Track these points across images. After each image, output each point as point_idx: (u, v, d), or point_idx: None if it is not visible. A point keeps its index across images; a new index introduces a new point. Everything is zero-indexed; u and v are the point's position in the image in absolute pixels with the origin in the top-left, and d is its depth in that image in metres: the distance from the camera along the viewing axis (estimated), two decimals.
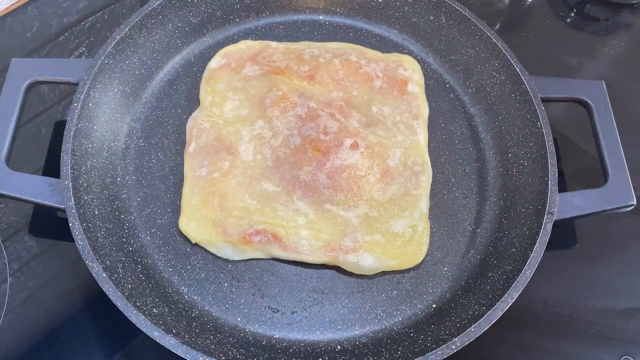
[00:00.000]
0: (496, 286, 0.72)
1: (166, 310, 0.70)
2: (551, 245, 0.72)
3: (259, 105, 0.83)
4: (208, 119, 0.82)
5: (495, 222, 0.80)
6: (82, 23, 1.00)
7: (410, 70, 0.88)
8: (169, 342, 0.63)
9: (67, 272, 0.78)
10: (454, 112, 0.90)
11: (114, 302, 0.65)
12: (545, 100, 0.82)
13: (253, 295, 0.75)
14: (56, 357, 0.73)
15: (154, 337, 0.64)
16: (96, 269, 0.66)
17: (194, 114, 0.83)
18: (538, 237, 0.72)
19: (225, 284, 0.75)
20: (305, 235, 0.74)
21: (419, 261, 0.76)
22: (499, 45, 0.86)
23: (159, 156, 0.83)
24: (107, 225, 0.75)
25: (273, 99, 0.82)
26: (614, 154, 0.79)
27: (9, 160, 0.74)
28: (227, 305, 0.74)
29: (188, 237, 0.75)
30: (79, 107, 0.76)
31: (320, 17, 0.97)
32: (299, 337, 0.73)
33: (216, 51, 0.90)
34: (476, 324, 0.66)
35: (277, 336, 0.72)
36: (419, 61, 0.92)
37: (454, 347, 0.65)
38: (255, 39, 0.93)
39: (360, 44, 0.93)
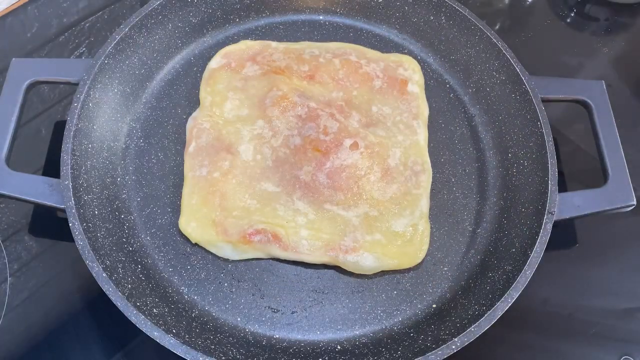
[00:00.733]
0: (496, 286, 0.72)
1: (166, 310, 0.70)
2: (551, 246, 0.72)
3: (259, 105, 0.83)
4: (208, 119, 0.82)
5: (495, 222, 0.80)
6: (82, 23, 1.00)
7: (410, 70, 0.88)
8: (169, 342, 0.63)
9: (67, 272, 0.78)
10: (454, 112, 0.90)
11: (114, 302, 0.65)
12: (545, 100, 0.82)
13: (253, 295, 0.75)
14: (56, 357, 0.73)
15: (154, 337, 0.64)
16: (96, 269, 0.66)
17: (194, 114, 0.83)
18: (538, 237, 0.72)
19: (225, 284, 0.75)
20: (305, 235, 0.74)
21: (419, 261, 0.76)
22: (499, 45, 0.86)
23: (159, 156, 0.83)
24: (107, 225, 0.75)
25: (273, 98, 0.82)
26: (614, 154, 0.78)
27: (9, 160, 0.74)
28: (227, 305, 0.74)
29: (188, 237, 0.75)
30: (79, 107, 0.76)
31: (320, 17, 0.97)
32: (299, 337, 0.73)
33: (216, 51, 0.89)
34: (476, 324, 0.66)
35: (277, 336, 0.72)
36: (419, 61, 0.92)
37: (454, 347, 0.65)
38: (255, 39, 0.93)
39: (361, 44, 0.93)
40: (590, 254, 0.84)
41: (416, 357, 0.65)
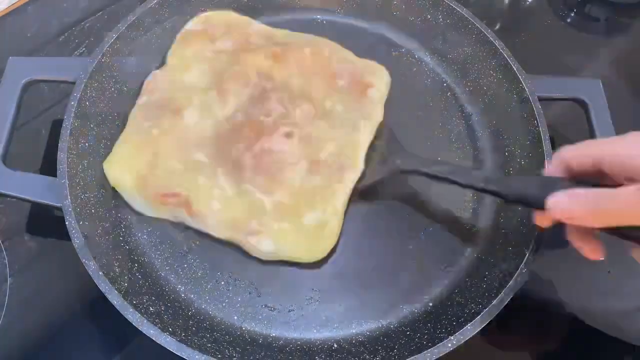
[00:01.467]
0: (493, 285, 0.72)
1: (162, 308, 0.70)
2: (550, 245, 0.72)
3: (218, 77, 0.83)
4: (166, 79, 0.82)
5: (491, 220, 0.80)
6: (82, 23, 1.00)
7: (378, 79, 0.86)
8: (165, 340, 0.63)
9: (67, 271, 0.78)
10: (450, 111, 0.90)
11: (110, 301, 0.65)
12: (542, 99, 0.82)
13: (250, 293, 0.74)
14: (56, 357, 0.73)
15: (150, 335, 0.64)
16: (92, 268, 0.67)
17: (156, 71, 0.84)
18: (535, 235, 0.72)
19: (222, 283, 0.75)
20: (216, 208, 0.74)
21: (320, 256, 0.75)
22: (496, 44, 0.86)
23: None
24: (104, 224, 0.75)
25: (232, 73, 0.83)
26: None
27: (5, 159, 0.74)
28: (224, 304, 0.74)
29: (108, 178, 0.76)
30: (75, 105, 0.76)
31: (318, 17, 0.97)
32: (296, 335, 0.72)
33: None
34: (472, 322, 0.66)
35: (274, 334, 0.72)
36: (416, 60, 0.93)
37: (450, 345, 0.65)
38: None
39: (358, 43, 0.93)
40: None
41: (412, 355, 0.64)
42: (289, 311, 0.74)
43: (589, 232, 0.60)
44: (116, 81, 0.84)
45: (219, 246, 0.76)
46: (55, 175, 0.72)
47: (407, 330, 0.72)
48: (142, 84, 0.84)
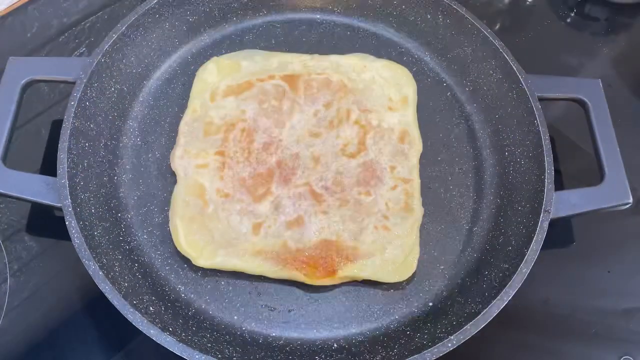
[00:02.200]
0: (492, 284, 0.72)
1: (163, 308, 0.70)
2: (549, 245, 0.72)
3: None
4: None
5: (491, 220, 0.80)
6: (83, 23, 1.00)
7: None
8: (165, 340, 0.63)
9: (67, 271, 0.78)
10: (450, 110, 0.90)
11: (111, 301, 0.65)
12: (542, 99, 0.82)
13: (249, 293, 0.75)
14: (56, 357, 0.73)
15: (150, 335, 0.64)
16: (92, 268, 0.67)
17: (173, 151, 0.82)
18: (534, 235, 0.72)
19: (222, 282, 0.75)
20: None
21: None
22: (496, 44, 0.86)
23: (155, 155, 0.83)
24: (104, 224, 0.75)
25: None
26: (611, 152, 0.78)
27: (5, 159, 0.74)
28: (224, 304, 0.74)
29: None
30: (75, 105, 0.76)
31: (318, 16, 0.97)
32: (296, 335, 0.73)
33: (213, 50, 0.91)
34: (472, 322, 0.66)
35: (274, 334, 0.72)
36: (416, 60, 0.93)
37: (450, 345, 0.65)
38: (253, 38, 0.94)
39: (358, 43, 0.94)
40: (588, 253, 0.84)
41: (412, 355, 0.65)
42: (289, 311, 0.74)
43: None
44: (116, 81, 0.84)
45: None
46: (55, 175, 0.72)
47: (407, 330, 0.72)
48: (140, 84, 0.86)
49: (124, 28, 0.83)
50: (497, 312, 0.67)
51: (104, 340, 0.75)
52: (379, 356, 0.69)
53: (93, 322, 0.76)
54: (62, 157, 0.73)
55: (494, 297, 0.68)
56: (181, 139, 0.82)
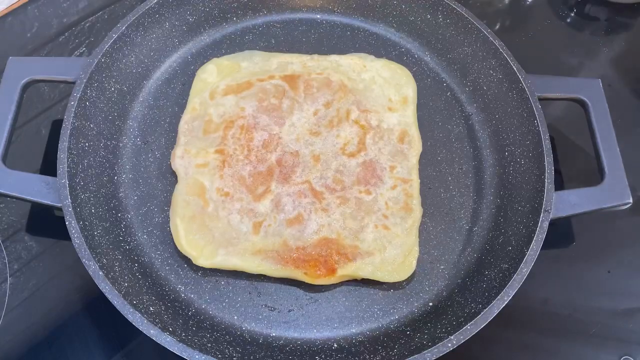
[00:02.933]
0: (492, 284, 0.72)
1: (162, 308, 0.70)
2: (549, 245, 0.72)
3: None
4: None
5: (491, 220, 0.80)
6: (82, 23, 1.00)
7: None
8: (166, 340, 0.63)
9: (67, 271, 0.78)
10: (450, 110, 0.90)
11: (111, 301, 0.65)
12: (542, 99, 0.82)
13: (250, 293, 0.75)
14: (56, 356, 0.73)
15: (150, 335, 0.64)
16: (92, 268, 0.67)
17: (173, 151, 0.82)
18: (534, 235, 0.72)
19: (222, 282, 0.75)
20: None
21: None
22: (496, 44, 0.86)
23: (155, 155, 0.83)
24: (104, 224, 0.75)
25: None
26: (611, 152, 0.78)
27: (5, 159, 0.74)
28: (224, 304, 0.74)
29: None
30: (75, 105, 0.76)
31: (318, 16, 0.97)
32: (296, 335, 0.73)
33: (213, 50, 0.91)
34: (472, 321, 0.66)
35: (274, 334, 0.72)
36: (416, 59, 0.93)
37: (450, 345, 0.65)
38: (252, 38, 0.94)
39: (358, 43, 0.94)
40: (588, 253, 0.84)
41: (412, 355, 0.65)
42: (289, 311, 0.74)
43: None
44: (116, 81, 0.84)
45: None
46: (55, 175, 0.72)
47: (407, 330, 0.72)
48: (140, 84, 0.86)
49: (124, 28, 0.83)
50: (497, 312, 0.67)
51: (103, 340, 0.75)
52: (379, 356, 0.69)
53: (93, 322, 0.76)
54: (62, 157, 0.73)
55: (494, 297, 0.68)
56: (181, 138, 0.82)
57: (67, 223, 0.69)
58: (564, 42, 1.06)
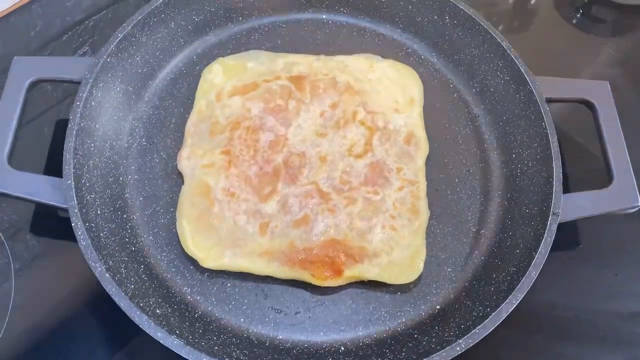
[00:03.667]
0: (500, 287, 0.71)
1: (169, 310, 0.70)
2: (555, 247, 0.71)
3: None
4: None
5: (499, 223, 0.80)
6: (86, 22, 1.00)
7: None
8: (172, 342, 0.63)
9: (70, 271, 0.78)
10: (457, 112, 0.89)
11: (117, 303, 0.65)
12: (549, 101, 0.81)
13: (256, 295, 0.74)
14: (60, 356, 0.73)
15: (157, 337, 0.63)
16: (99, 269, 0.66)
17: (180, 152, 0.82)
18: (542, 238, 0.71)
19: (229, 284, 0.75)
20: None
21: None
22: (504, 45, 0.85)
23: (161, 155, 0.83)
24: (110, 225, 0.74)
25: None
26: (619, 155, 0.78)
27: (11, 159, 0.74)
28: (230, 306, 0.73)
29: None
30: (81, 105, 0.76)
31: (324, 16, 0.97)
32: (303, 338, 0.72)
33: (219, 50, 0.91)
34: (480, 325, 0.66)
35: (281, 337, 0.72)
36: (423, 61, 0.93)
37: (458, 348, 0.65)
38: (258, 38, 0.94)
39: (364, 44, 0.93)
40: (595, 256, 0.84)
41: (420, 359, 0.64)
42: (296, 313, 0.74)
43: None
44: (122, 81, 0.84)
45: None
46: (59, 176, 0.72)
47: (415, 333, 0.72)
48: (146, 84, 0.86)
49: (129, 28, 0.83)
50: (505, 315, 0.67)
51: (107, 340, 0.75)
52: (387, 359, 0.69)
53: (96, 322, 0.76)
54: (68, 157, 0.73)
55: (503, 301, 0.68)
56: (188, 140, 0.81)
57: (73, 224, 0.69)
58: (570, 43, 1.06)
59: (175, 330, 0.65)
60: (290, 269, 0.73)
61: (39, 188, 0.72)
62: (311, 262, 0.74)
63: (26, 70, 0.79)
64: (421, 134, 0.84)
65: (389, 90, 0.87)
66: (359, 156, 0.81)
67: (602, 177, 0.78)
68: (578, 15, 1.08)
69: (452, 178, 0.84)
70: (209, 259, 0.74)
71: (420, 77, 0.90)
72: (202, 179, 0.78)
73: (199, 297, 0.74)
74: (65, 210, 0.70)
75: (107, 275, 0.66)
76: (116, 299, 0.65)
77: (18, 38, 0.97)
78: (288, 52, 0.91)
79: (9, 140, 0.74)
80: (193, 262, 0.75)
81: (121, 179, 0.80)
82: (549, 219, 0.72)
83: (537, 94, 0.81)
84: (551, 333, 0.78)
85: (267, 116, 0.83)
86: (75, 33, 0.98)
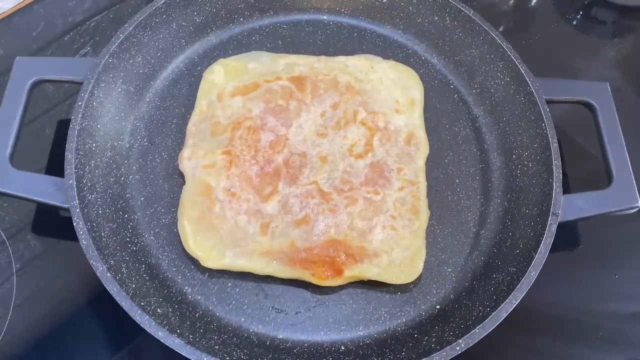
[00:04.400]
0: (500, 287, 0.72)
1: (170, 310, 0.70)
2: (555, 248, 0.71)
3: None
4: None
5: (499, 223, 0.80)
6: (88, 22, 1.00)
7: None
8: (173, 342, 0.63)
9: (71, 271, 0.78)
10: (458, 113, 0.89)
11: (119, 302, 0.65)
12: (549, 102, 0.82)
13: (257, 295, 0.74)
14: (61, 355, 0.74)
15: (158, 337, 0.64)
16: (100, 269, 0.66)
17: (182, 152, 0.82)
18: (542, 238, 0.71)
19: (229, 284, 0.75)
20: None
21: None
22: (504, 46, 0.86)
23: (162, 155, 0.83)
24: (111, 225, 0.75)
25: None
26: (619, 155, 0.78)
27: (12, 159, 0.74)
28: (231, 306, 0.74)
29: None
30: (83, 106, 0.76)
31: (325, 17, 0.97)
32: (303, 337, 0.72)
33: (220, 51, 0.91)
34: (480, 325, 0.66)
35: (281, 337, 0.72)
36: (423, 61, 0.93)
37: (458, 348, 0.65)
38: (259, 39, 0.94)
39: (365, 45, 0.94)
40: (595, 257, 0.84)
41: (420, 359, 0.65)
42: (297, 313, 0.74)
43: None
44: (123, 81, 0.84)
45: None
46: (61, 175, 0.72)
47: (415, 333, 0.72)
48: (147, 85, 0.86)
49: (131, 28, 0.83)
50: (505, 315, 0.67)
51: (108, 339, 0.75)
52: (387, 359, 0.69)
53: (97, 321, 0.76)
54: (70, 157, 0.73)
55: (502, 301, 0.68)
56: (189, 140, 0.82)
57: (74, 224, 0.69)
58: (570, 44, 1.06)
59: (176, 330, 0.66)
60: (291, 269, 0.74)
61: (41, 188, 0.72)
62: (311, 262, 0.74)
63: (28, 70, 0.79)
64: (421, 134, 0.84)
65: (389, 91, 0.87)
66: (359, 156, 0.81)
67: (602, 177, 0.79)
68: (578, 17, 1.08)
69: (452, 178, 0.84)
70: (210, 259, 0.74)
71: (420, 78, 0.90)
72: (203, 179, 0.78)
73: (199, 297, 0.74)
74: (67, 210, 0.70)
75: (108, 274, 0.66)
76: (117, 299, 0.65)
77: (20, 38, 0.97)
78: (289, 52, 0.91)
79: (11, 140, 0.75)
80: (194, 261, 0.75)
81: (122, 179, 0.80)
82: (549, 219, 0.73)
83: (537, 95, 0.81)
84: (551, 333, 0.78)
85: (268, 116, 0.83)
86: (77, 33, 0.98)
